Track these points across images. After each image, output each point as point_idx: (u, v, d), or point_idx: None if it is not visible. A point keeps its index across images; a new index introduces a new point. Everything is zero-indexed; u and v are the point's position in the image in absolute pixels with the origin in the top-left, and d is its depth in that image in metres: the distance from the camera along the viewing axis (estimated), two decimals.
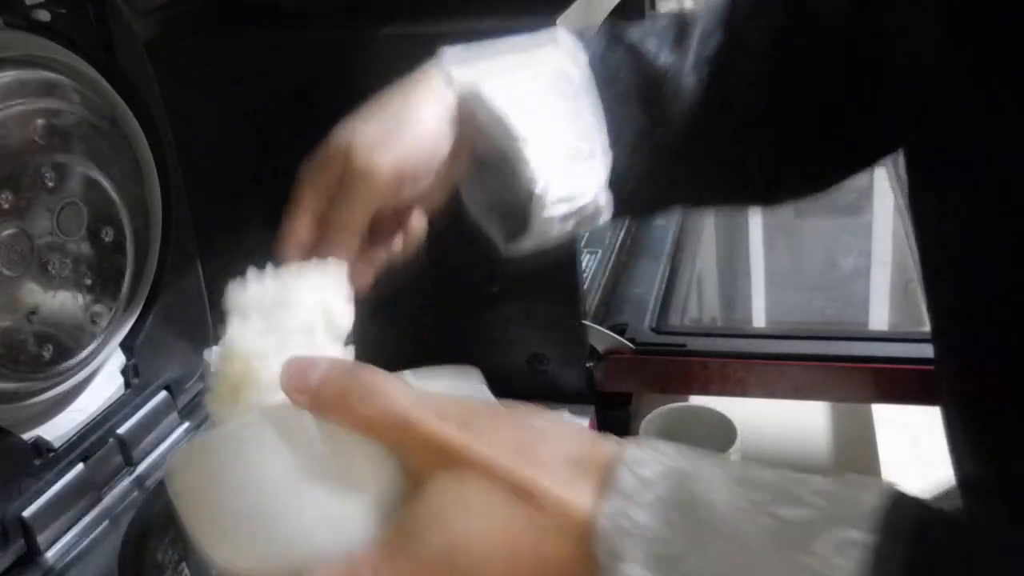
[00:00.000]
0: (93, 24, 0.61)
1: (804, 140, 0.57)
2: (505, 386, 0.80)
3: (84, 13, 0.60)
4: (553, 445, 0.34)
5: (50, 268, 0.58)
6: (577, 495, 0.32)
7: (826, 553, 0.28)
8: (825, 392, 0.78)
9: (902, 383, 0.74)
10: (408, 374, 0.43)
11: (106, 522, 0.61)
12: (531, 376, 0.80)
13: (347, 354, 0.44)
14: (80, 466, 0.60)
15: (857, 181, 1.30)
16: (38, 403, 0.59)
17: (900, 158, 0.53)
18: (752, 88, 0.56)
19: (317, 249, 0.49)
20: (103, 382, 0.65)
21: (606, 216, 0.55)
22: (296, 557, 0.35)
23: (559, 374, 0.80)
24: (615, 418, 0.82)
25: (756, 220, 1.30)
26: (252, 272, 0.46)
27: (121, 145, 0.63)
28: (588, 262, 0.91)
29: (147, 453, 0.65)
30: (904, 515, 0.29)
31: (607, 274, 0.91)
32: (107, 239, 0.62)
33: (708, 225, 1.21)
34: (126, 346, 0.66)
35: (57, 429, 0.60)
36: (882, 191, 1.21)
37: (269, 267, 0.47)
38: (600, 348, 0.79)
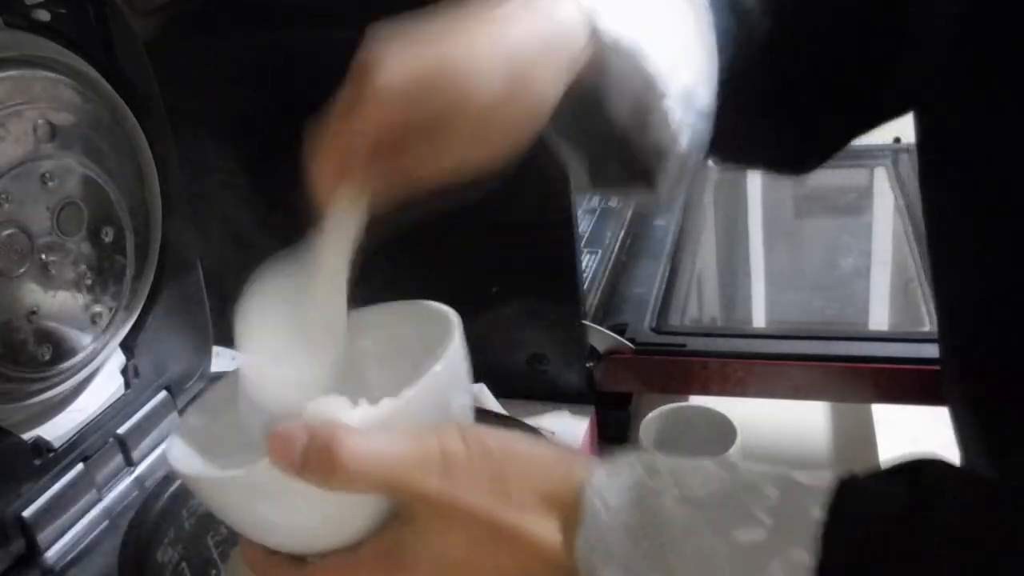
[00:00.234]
0: (93, 24, 0.61)
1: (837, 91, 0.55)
2: (505, 386, 0.80)
3: (84, 13, 0.60)
4: (526, 482, 0.37)
5: (50, 268, 0.58)
6: (551, 531, 0.36)
7: None
8: (825, 392, 0.78)
9: (902, 383, 0.74)
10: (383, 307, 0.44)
11: (106, 522, 0.61)
12: (531, 376, 0.80)
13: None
14: (80, 466, 0.60)
15: (857, 181, 1.30)
16: (38, 403, 0.59)
17: (912, 157, 0.52)
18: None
19: (347, 177, 0.42)
20: (103, 382, 0.65)
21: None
22: None
23: (559, 374, 0.80)
24: (615, 418, 0.82)
25: (756, 220, 1.30)
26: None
27: (121, 145, 0.63)
28: (588, 262, 0.91)
29: (147, 453, 0.65)
30: (847, 526, 0.32)
31: (607, 274, 0.91)
32: (107, 239, 0.62)
33: (708, 225, 1.21)
34: (126, 346, 0.66)
35: (57, 429, 0.60)
36: (882, 191, 1.21)
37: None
38: (600, 348, 0.79)
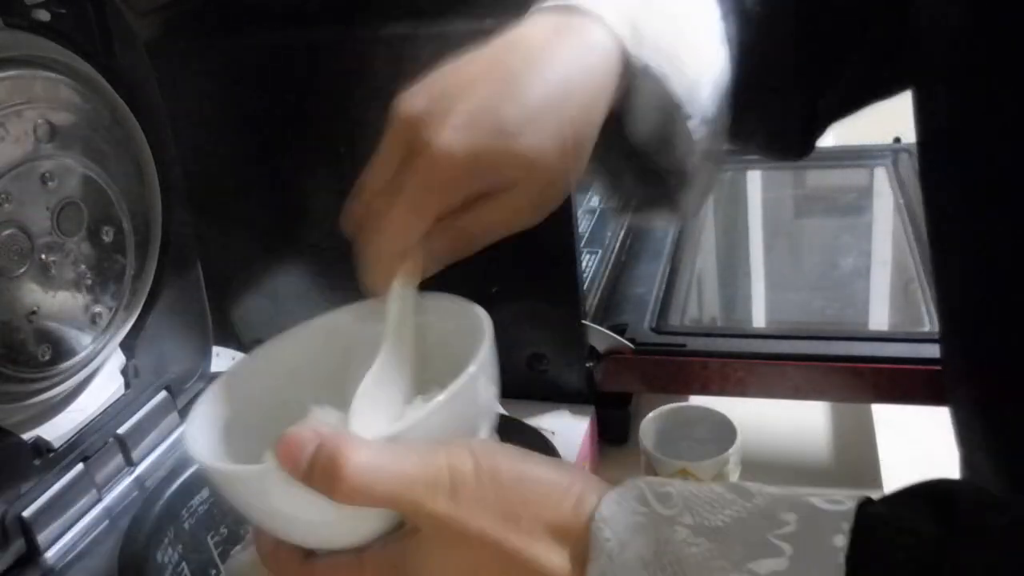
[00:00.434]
0: (93, 24, 0.61)
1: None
2: (505, 386, 0.80)
3: (84, 13, 0.60)
4: (536, 509, 0.36)
5: (50, 268, 0.58)
6: (561, 560, 0.35)
7: None
8: (825, 392, 0.78)
9: (902, 383, 0.74)
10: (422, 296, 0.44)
11: (106, 522, 0.61)
12: (531, 376, 0.80)
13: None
14: (80, 466, 0.60)
15: (857, 181, 1.30)
16: (38, 403, 0.59)
17: (912, 157, 0.52)
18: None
19: (412, 254, 0.41)
20: (103, 382, 0.65)
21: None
22: None
23: (559, 374, 0.80)
24: (615, 418, 0.82)
25: (756, 220, 1.30)
26: None
27: (121, 145, 0.63)
28: (588, 262, 0.91)
29: (147, 453, 0.65)
30: (873, 557, 0.31)
31: (607, 274, 0.91)
32: (107, 239, 0.62)
33: (708, 225, 1.21)
34: (126, 346, 0.66)
35: (57, 429, 0.60)
36: (882, 191, 1.21)
37: None
38: (600, 348, 0.79)
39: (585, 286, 0.81)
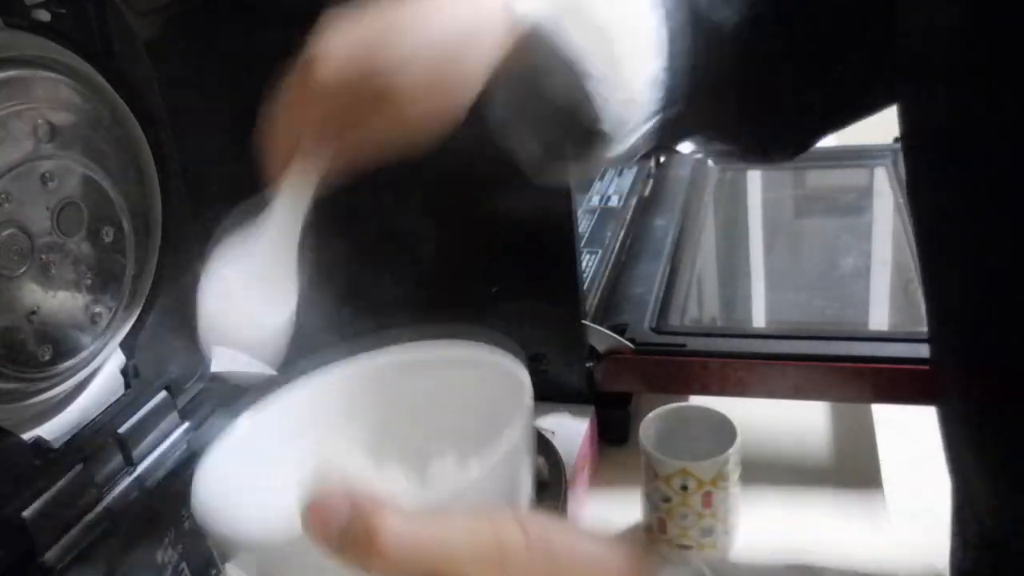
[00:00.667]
0: (93, 24, 0.61)
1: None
2: None
3: (84, 13, 0.60)
4: None
5: (50, 268, 0.58)
6: None
7: None
8: (825, 392, 0.78)
9: (902, 383, 0.74)
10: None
11: (106, 522, 0.61)
12: (531, 376, 0.80)
13: None
14: (80, 466, 0.60)
15: (857, 181, 1.30)
16: (38, 403, 0.59)
17: (899, 157, 0.52)
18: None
19: (305, 148, 0.46)
20: (103, 382, 0.65)
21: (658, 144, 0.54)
22: None
23: (559, 374, 0.80)
24: (615, 418, 0.82)
25: (756, 220, 1.30)
26: None
27: (121, 145, 0.63)
28: (588, 262, 0.91)
29: (147, 453, 0.65)
30: None
31: (607, 274, 0.91)
32: (107, 239, 0.62)
33: (708, 225, 1.21)
34: (126, 346, 0.66)
35: (57, 429, 0.60)
36: (882, 191, 1.21)
37: None
38: (600, 348, 0.79)
39: (585, 286, 0.81)
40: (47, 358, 0.58)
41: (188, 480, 0.59)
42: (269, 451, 0.48)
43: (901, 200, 1.10)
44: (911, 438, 0.80)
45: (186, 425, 0.69)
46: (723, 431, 0.69)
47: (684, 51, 0.52)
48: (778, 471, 0.78)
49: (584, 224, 0.98)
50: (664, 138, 0.56)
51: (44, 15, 0.57)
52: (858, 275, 1.25)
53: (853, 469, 0.79)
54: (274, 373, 0.70)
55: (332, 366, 0.51)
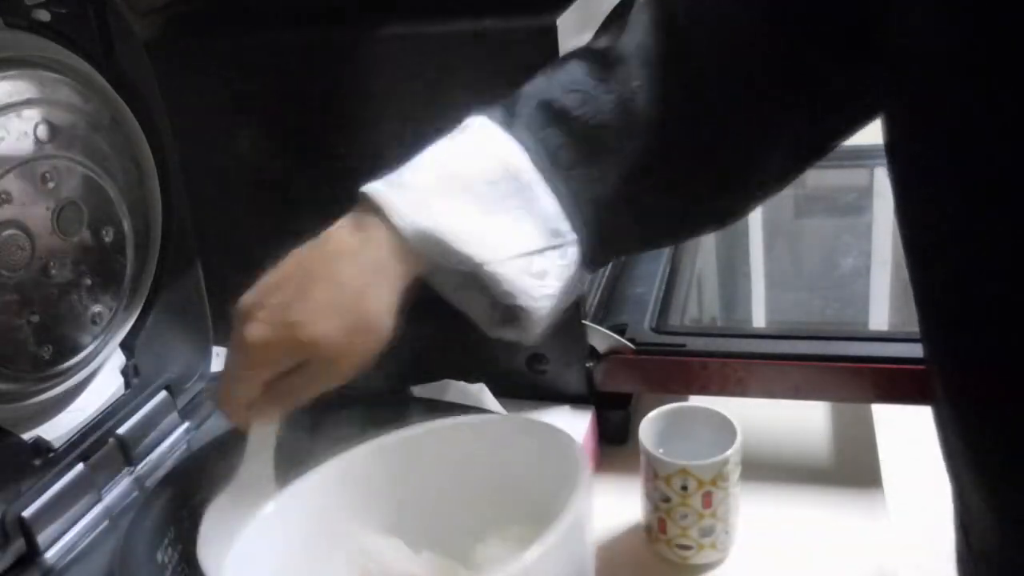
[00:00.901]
0: (93, 24, 0.61)
1: (787, 114, 0.56)
2: (505, 386, 0.80)
3: (84, 13, 0.60)
4: None
5: (50, 268, 0.58)
6: None
7: None
8: (825, 392, 0.78)
9: (902, 383, 0.73)
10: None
11: (106, 522, 0.61)
12: (531, 376, 0.80)
13: None
14: (80, 466, 0.60)
15: (857, 181, 1.30)
16: (38, 403, 0.59)
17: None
18: (717, 72, 0.54)
19: (258, 408, 0.52)
20: (103, 382, 0.65)
21: (588, 277, 0.57)
22: None
23: (559, 374, 0.79)
24: (615, 418, 0.82)
25: (756, 220, 1.30)
26: None
27: (121, 145, 0.63)
28: None
29: (147, 453, 0.66)
30: None
31: (607, 274, 0.91)
32: (107, 239, 0.62)
33: None
34: (126, 346, 0.66)
35: (57, 429, 0.60)
36: (882, 191, 1.21)
37: None
38: (600, 348, 0.79)
39: (585, 286, 0.81)
40: (47, 358, 0.58)
41: (188, 480, 0.60)
42: (298, 535, 0.48)
43: None
44: (911, 438, 0.80)
45: (186, 425, 0.69)
46: (723, 431, 0.69)
47: (580, 192, 0.54)
48: (778, 471, 0.78)
49: None
50: (605, 256, 0.59)
51: (44, 15, 0.57)
52: (858, 275, 1.25)
53: (853, 469, 0.79)
54: None
55: (361, 443, 0.53)
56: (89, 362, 0.62)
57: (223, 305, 0.77)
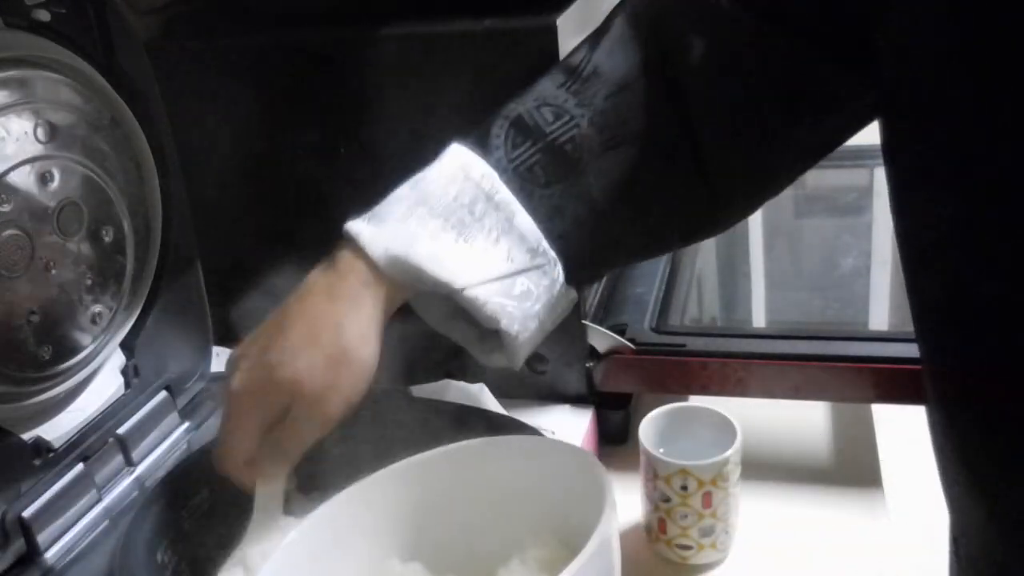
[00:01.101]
0: (93, 24, 0.61)
1: (761, 131, 0.55)
2: (505, 386, 0.80)
3: (84, 13, 0.60)
4: None
5: (50, 268, 0.58)
6: None
7: None
8: (825, 392, 0.78)
9: (902, 383, 0.74)
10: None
11: (106, 522, 0.61)
12: (531, 376, 0.80)
13: None
14: (80, 466, 0.60)
15: (857, 181, 1.30)
16: (38, 403, 0.59)
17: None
18: (699, 83, 0.54)
19: (258, 464, 0.52)
20: (103, 382, 0.65)
21: (574, 297, 0.56)
22: None
23: (559, 374, 0.80)
24: (615, 418, 0.82)
25: (756, 220, 1.30)
26: None
27: (121, 145, 0.63)
28: None
29: (147, 453, 0.66)
30: None
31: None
32: (107, 239, 0.62)
33: None
34: (126, 346, 0.66)
35: (57, 429, 0.60)
36: (882, 191, 1.21)
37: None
38: (600, 348, 0.79)
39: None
40: (47, 358, 0.58)
41: (188, 480, 0.60)
42: (321, 562, 0.49)
43: None
44: (911, 438, 0.80)
45: (186, 425, 0.69)
46: (723, 431, 0.69)
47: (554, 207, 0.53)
48: (778, 471, 0.78)
49: None
50: (591, 272, 0.58)
51: (44, 15, 0.57)
52: (858, 275, 1.25)
53: (853, 469, 0.79)
54: None
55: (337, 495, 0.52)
56: (89, 362, 0.62)
57: (223, 305, 0.78)
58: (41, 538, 0.57)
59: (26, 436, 0.58)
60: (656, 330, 0.82)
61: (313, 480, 0.55)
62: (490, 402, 0.73)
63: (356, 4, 0.76)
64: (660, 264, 0.95)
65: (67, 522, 0.59)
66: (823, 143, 0.57)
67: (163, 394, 0.68)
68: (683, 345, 0.79)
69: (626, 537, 0.73)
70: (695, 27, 0.54)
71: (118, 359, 0.66)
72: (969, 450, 0.46)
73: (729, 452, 0.66)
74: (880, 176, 1.22)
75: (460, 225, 0.52)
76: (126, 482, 0.64)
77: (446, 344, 0.57)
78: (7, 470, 0.56)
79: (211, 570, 0.54)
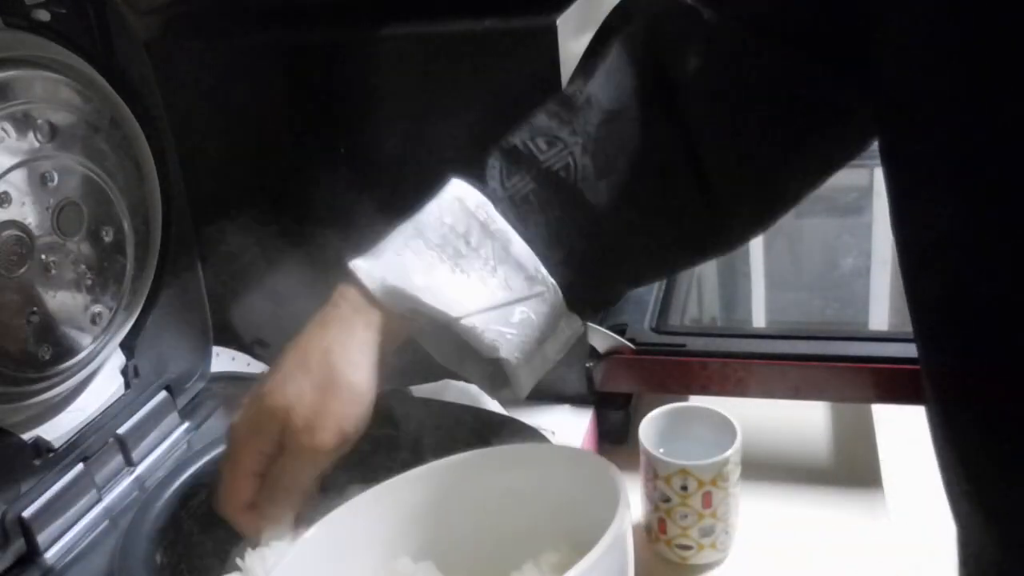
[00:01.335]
0: (93, 24, 0.61)
1: (763, 155, 0.56)
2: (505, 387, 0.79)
3: (84, 13, 0.60)
4: None
5: (50, 268, 0.58)
6: None
7: None
8: (825, 392, 0.78)
9: (902, 383, 0.74)
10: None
11: (106, 522, 0.61)
12: None
13: None
14: (80, 466, 0.60)
15: (857, 181, 1.30)
16: (38, 403, 0.59)
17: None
18: (698, 102, 0.54)
19: (260, 506, 0.51)
20: (103, 382, 0.65)
21: (579, 326, 0.56)
22: None
23: (559, 374, 0.79)
24: (615, 418, 0.82)
25: None
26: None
27: (121, 145, 0.63)
28: None
29: (147, 453, 0.66)
30: None
31: None
32: (107, 239, 0.62)
33: None
34: (126, 346, 0.66)
35: (57, 429, 0.60)
36: (882, 191, 1.21)
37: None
38: (600, 348, 0.79)
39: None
40: (47, 358, 0.58)
41: (188, 480, 0.60)
42: (334, 562, 0.49)
43: None
44: (911, 438, 0.80)
45: (186, 425, 0.69)
46: (723, 431, 0.69)
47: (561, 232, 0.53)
48: (778, 471, 0.78)
49: None
50: (592, 299, 0.58)
51: (44, 15, 0.57)
52: (858, 275, 1.25)
53: (853, 469, 0.79)
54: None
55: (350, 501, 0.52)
56: (89, 362, 0.62)
57: (223, 305, 0.78)
58: (41, 538, 0.57)
59: (26, 436, 0.58)
60: (656, 330, 0.82)
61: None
62: (490, 402, 0.73)
63: (356, 4, 0.76)
64: None
65: (67, 522, 0.59)
66: (827, 159, 0.57)
67: (163, 394, 0.68)
68: (683, 345, 0.79)
69: None
70: (691, 45, 0.54)
71: (118, 359, 0.66)
72: (969, 450, 0.46)
73: (729, 452, 0.66)
74: (880, 176, 1.23)
75: (456, 255, 0.52)
76: (126, 482, 0.64)
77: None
78: (7, 470, 0.56)
79: (211, 571, 0.54)
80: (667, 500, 0.68)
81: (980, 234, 0.43)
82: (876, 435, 0.83)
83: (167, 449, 0.67)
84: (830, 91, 0.53)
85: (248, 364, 0.83)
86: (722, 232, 0.58)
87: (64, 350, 0.60)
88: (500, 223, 0.52)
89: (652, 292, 0.89)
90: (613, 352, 0.79)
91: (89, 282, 0.61)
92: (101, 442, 0.62)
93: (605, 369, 0.79)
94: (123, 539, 0.56)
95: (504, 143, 0.55)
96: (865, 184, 1.28)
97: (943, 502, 0.51)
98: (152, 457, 0.66)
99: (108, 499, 0.62)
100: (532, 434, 0.61)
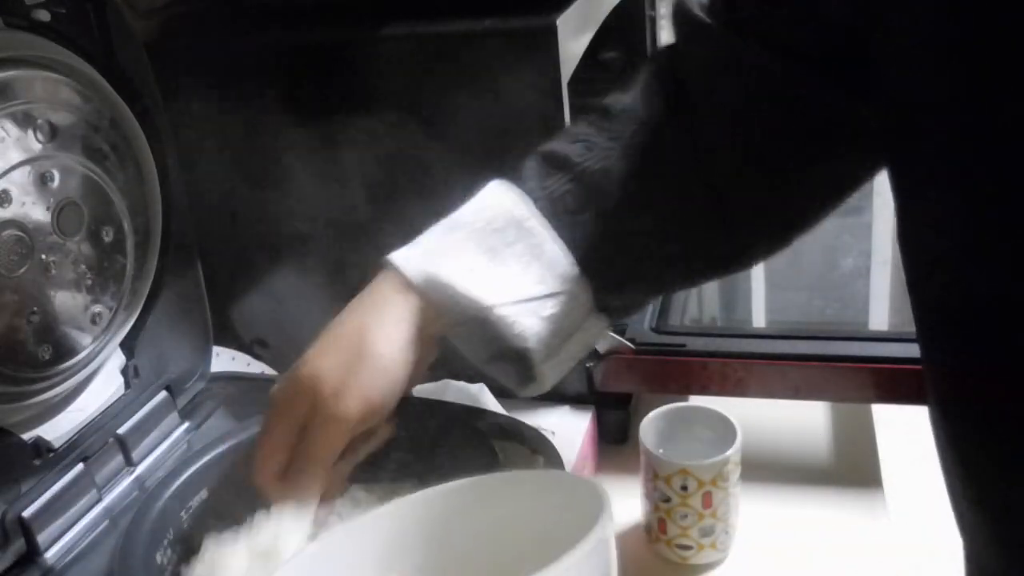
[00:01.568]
0: (93, 24, 0.61)
1: (782, 176, 0.57)
2: (505, 386, 0.80)
3: (84, 13, 0.60)
4: None
5: (50, 268, 0.58)
6: None
7: None
8: (825, 392, 0.78)
9: (902, 383, 0.74)
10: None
11: (106, 522, 0.61)
12: None
13: None
14: (80, 466, 0.60)
15: None
16: (38, 403, 0.59)
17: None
18: (725, 130, 0.55)
19: (288, 476, 0.52)
20: (103, 382, 0.65)
21: (604, 327, 0.57)
22: None
23: None
24: (615, 418, 0.82)
25: None
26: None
27: (121, 145, 0.63)
28: None
29: (147, 453, 0.65)
30: None
31: None
32: (107, 239, 0.62)
33: None
34: (126, 346, 0.66)
35: (57, 429, 0.60)
36: (882, 191, 1.21)
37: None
38: (600, 348, 0.79)
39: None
40: (47, 358, 0.58)
41: (188, 480, 0.60)
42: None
43: None
44: (911, 438, 0.80)
45: (186, 425, 0.69)
46: (723, 431, 0.69)
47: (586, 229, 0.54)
48: (778, 471, 0.78)
49: None
50: (621, 302, 0.58)
51: (44, 15, 0.57)
52: (858, 275, 1.25)
53: (853, 469, 0.79)
54: (275, 373, 0.71)
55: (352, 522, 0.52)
56: (89, 362, 0.62)
57: (223, 305, 0.78)
58: (41, 538, 0.57)
59: (26, 436, 0.58)
60: (656, 330, 0.82)
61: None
62: (490, 402, 0.73)
63: (356, 4, 0.76)
64: None
65: (67, 522, 0.59)
66: (842, 178, 0.58)
67: (163, 394, 0.68)
68: (683, 345, 0.79)
69: (626, 537, 0.73)
70: (710, 66, 0.55)
71: (118, 359, 0.66)
72: (969, 450, 0.46)
73: (729, 452, 0.66)
74: (880, 176, 1.23)
75: (492, 250, 0.53)
76: (126, 482, 0.64)
77: (446, 344, 0.57)
78: (7, 470, 0.56)
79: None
80: (667, 500, 0.68)
81: (980, 234, 0.43)
82: (876, 435, 0.83)
83: (167, 449, 0.67)
84: (843, 110, 0.53)
85: (248, 364, 0.83)
86: (737, 248, 0.59)
87: (64, 350, 0.60)
88: (535, 221, 0.54)
89: None
90: (613, 352, 0.79)
91: (89, 282, 0.61)
92: (101, 442, 0.62)
93: (605, 369, 0.79)
94: (123, 539, 0.56)
95: (543, 148, 0.56)
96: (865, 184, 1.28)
97: (943, 502, 0.51)
98: (152, 457, 0.66)
99: (108, 499, 0.62)
100: (532, 434, 0.61)
